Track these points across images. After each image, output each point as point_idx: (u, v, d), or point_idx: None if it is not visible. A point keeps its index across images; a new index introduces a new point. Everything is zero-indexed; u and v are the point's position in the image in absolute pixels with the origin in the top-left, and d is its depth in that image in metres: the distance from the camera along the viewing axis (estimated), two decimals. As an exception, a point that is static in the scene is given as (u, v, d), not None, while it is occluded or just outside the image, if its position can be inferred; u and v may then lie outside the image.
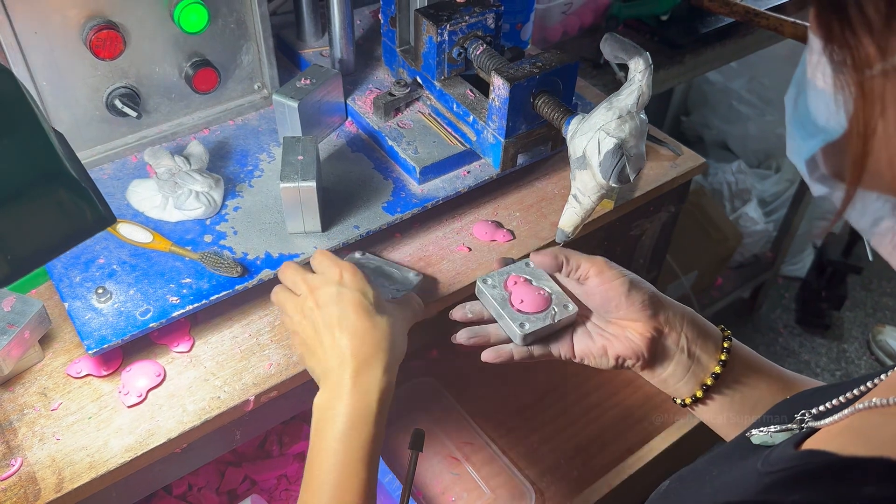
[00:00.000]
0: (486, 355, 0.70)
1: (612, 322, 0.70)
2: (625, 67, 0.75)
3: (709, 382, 0.67)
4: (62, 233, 0.53)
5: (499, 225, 0.96)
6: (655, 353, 0.68)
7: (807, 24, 1.42)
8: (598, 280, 0.69)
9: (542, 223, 0.96)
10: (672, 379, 0.68)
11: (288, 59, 1.14)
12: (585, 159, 0.74)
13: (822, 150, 0.41)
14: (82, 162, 0.92)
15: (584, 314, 0.71)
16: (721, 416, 0.69)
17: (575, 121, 0.79)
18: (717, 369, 0.67)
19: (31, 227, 0.52)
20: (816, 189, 0.42)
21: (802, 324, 2.37)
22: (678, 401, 0.70)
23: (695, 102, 2.52)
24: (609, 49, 0.73)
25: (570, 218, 0.78)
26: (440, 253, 0.92)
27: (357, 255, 0.87)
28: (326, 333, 0.66)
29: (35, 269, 0.54)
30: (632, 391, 1.09)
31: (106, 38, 0.86)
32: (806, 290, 2.35)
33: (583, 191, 0.76)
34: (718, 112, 2.43)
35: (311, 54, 1.10)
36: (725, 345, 0.68)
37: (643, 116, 0.75)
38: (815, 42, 0.38)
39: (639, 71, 0.72)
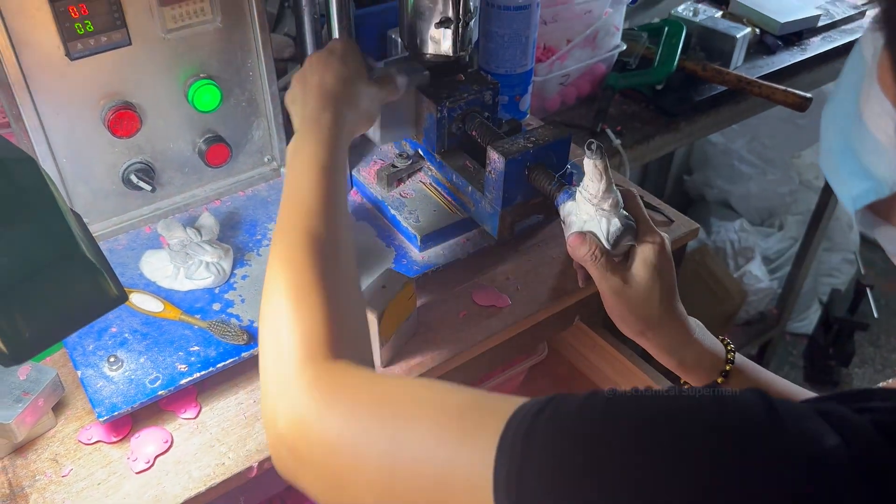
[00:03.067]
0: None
1: None
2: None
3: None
4: (77, 311, 0.57)
5: (498, 290, 0.98)
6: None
7: (798, 91, 1.45)
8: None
9: (540, 289, 0.99)
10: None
11: (296, 131, 1.19)
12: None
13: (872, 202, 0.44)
14: (99, 233, 0.98)
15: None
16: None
17: (569, 204, 0.84)
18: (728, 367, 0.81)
19: (48, 306, 0.55)
20: (858, 224, 0.47)
21: (811, 381, 2.36)
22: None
23: (697, 162, 2.56)
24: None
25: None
26: (440, 317, 0.95)
27: None
28: (305, 81, 0.82)
29: (51, 345, 0.57)
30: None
31: (123, 118, 0.91)
32: (813, 346, 2.35)
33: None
34: (720, 171, 2.48)
35: (318, 127, 1.15)
36: (730, 356, 0.83)
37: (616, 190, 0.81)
38: (885, 99, 0.40)
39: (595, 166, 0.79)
